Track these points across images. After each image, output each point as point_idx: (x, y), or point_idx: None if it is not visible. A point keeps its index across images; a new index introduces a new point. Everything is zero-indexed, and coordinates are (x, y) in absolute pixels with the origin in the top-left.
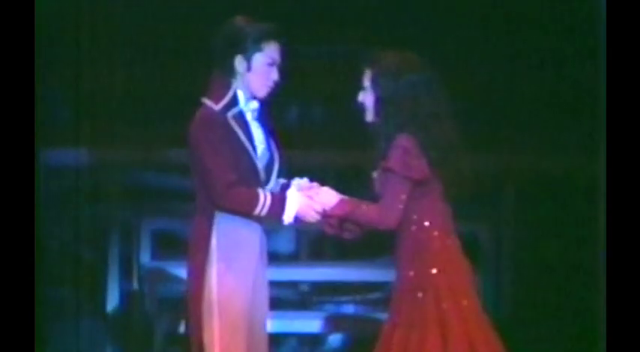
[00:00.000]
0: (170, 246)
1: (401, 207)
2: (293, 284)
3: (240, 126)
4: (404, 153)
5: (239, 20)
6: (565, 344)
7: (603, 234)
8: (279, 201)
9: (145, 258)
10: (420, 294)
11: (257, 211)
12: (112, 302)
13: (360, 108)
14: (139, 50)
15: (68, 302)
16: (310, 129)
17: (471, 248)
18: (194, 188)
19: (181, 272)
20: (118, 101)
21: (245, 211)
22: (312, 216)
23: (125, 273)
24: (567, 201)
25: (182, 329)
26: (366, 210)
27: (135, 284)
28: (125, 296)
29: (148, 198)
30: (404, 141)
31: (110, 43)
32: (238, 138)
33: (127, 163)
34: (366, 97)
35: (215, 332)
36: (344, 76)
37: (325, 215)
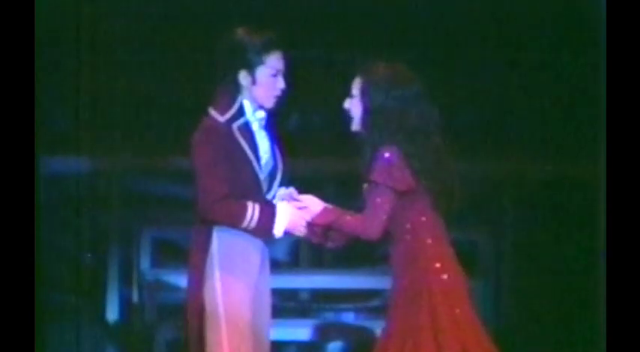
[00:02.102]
0: (170, 253)
1: (384, 217)
2: (292, 292)
3: (245, 137)
4: (387, 164)
5: (239, 33)
6: (566, 350)
7: (603, 241)
8: (268, 214)
9: (145, 265)
10: (414, 302)
11: (245, 224)
12: (112, 309)
13: (346, 115)
14: (139, 58)
15: (68, 309)
16: (309, 136)
17: (470, 255)
18: (194, 196)
19: (181, 279)
20: (119, 108)
21: (232, 224)
22: (302, 229)
23: (125, 281)
24: (567, 208)
25: (180, 336)
26: (350, 220)
27: (135, 292)
28: (125, 303)
29: (147, 206)
30: (387, 152)
31: (111, 50)
32: (242, 149)
33: (127, 171)
34: (353, 106)
35: (223, 342)
36: (343, 83)
37: (309, 223)
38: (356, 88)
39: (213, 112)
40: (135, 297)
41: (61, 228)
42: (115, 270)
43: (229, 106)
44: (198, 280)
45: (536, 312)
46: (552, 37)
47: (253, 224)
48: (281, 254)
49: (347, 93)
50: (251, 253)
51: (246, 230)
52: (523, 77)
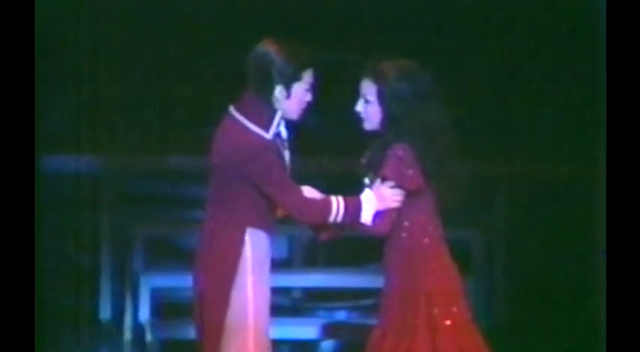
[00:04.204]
0: (163, 253)
1: (394, 214)
2: (286, 291)
3: (282, 149)
4: (399, 162)
5: (275, 50)
6: (559, 351)
7: (603, 239)
8: (354, 203)
9: (138, 264)
10: (410, 301)
11: (332, 217)
12: (105, 308)
13: (357, 117)
14: (138, 57)
15: (64, 308)
16: (305, 137)
17: (462, 254)
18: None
19: (174, 279)
20: (117, 108)
21: (321, 220)
22: (394, 203)
23: (118, 280)
24: (560, 207)
25: (175, 335)
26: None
27: (128, 291)
28: (118, 302)
29: (141, 206)
30: (399, 150)
31: (110, 50)
32: (284, 161)
33: (121, 170)
34: (370, 110)
35: (249, 342)
36: (337, 84)
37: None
38: (370, 93)
39: (253, 127)
40: (128, 296)
41: (59, 227)
42: (108, 269)
43: (270, 122)
44: (227, 284)
45: (529, 311)
46: (552, 38)
47: (340, 217)
48: (274, 253)
49: (343, 94)
50: (269, 256)
51: (333, 223)
52: (521, 76)
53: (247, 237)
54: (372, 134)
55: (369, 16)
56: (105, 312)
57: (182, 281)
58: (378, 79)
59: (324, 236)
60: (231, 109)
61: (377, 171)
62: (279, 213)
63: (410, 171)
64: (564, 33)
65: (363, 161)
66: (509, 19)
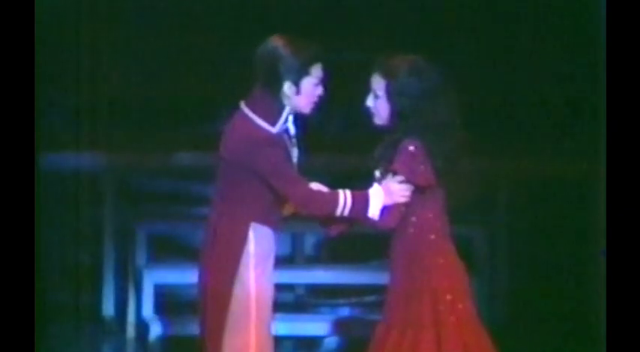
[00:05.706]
0: (166, 249)
1: (402, 209)
2: (289, 287)
3: (291, 145)
4: (411, 157)
5: (282, 46)
6: (560, 349)
7: (603, 239)
8: (361, 197)
9: (141, 261)
10: (416, 296)
11: (339, 211)
12: (108, 305)
13: (367, 112)
14: (138, 55)
15: (66, 305)
16: (313, 134)
17: (464, 251)
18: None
19: (178, 275)
20: (118, 105)
21: (327, 212)
22: (402, 198)
23: (121, 276)
24: (561, 205)
25: (178, 331)
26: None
27: (131, 288)
28: (121, 299)
29: (144, 202)
30: (412, 146)
31: (110, 47)
32: (291, 157)
33: (123, 167)
34: (379, 105)
35: (251, 345)
36: (346, 81)
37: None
38: (380, 88)
39: (260, 122)
40: (131, 293)
41: (60, 224)
42: (110, 266)
43: (277, 117)
44: (225, 279)
45: (531, 309)
46: (553, 37)
47: (347, 210)
48: (277, 249)
49: (348, 92)
50: (273, 252)
51: (340, 217)
52: (522, 75)
53: (251, 232)
54: (382, 129)
55: (378, 13)
56: (107, 309)
57: (185, 278)
58: (387, 74)
59: (332, 231)
60: (242, 104)
61: (388, 166)
62: (286, 210)
63: (422, 167)
64: (565, 32)
65: (375, 155)
66: (511, 19)
